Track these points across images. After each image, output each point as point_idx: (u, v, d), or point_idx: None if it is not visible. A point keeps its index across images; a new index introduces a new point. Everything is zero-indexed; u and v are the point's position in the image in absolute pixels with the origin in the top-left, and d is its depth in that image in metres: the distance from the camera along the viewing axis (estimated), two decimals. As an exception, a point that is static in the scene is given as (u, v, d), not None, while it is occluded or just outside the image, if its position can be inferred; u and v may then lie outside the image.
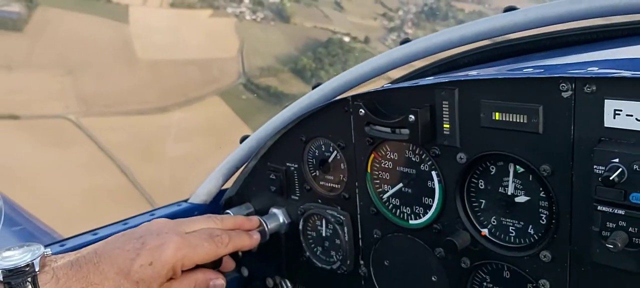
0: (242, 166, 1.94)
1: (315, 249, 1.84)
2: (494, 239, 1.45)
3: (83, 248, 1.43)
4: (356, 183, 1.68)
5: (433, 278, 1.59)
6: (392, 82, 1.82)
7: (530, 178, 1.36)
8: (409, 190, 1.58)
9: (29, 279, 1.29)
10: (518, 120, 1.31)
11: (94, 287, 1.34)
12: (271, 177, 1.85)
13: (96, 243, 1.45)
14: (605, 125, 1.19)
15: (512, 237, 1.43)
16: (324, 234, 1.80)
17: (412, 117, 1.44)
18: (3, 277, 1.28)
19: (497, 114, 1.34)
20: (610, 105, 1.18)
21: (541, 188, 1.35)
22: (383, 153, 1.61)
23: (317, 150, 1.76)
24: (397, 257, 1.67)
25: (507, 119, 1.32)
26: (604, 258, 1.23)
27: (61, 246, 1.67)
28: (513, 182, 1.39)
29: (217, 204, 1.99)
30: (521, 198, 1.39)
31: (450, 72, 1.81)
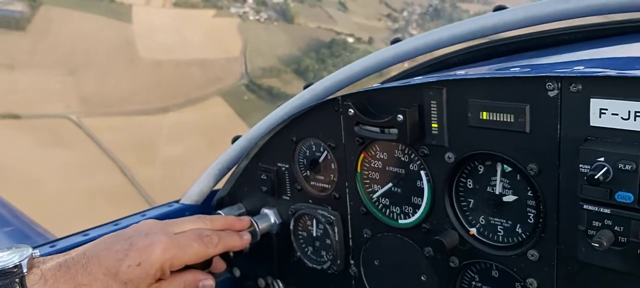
0: (233, 166, 1.94)
1: (306, 249, 1.84)
2: (482, 238, 1.45)
3: (72, 250, 1.44)
4: (346, 183, 1.68)
5: (422, 277, 1.59)
6: (382, 82, 1.82)
7: (518, 178, 1.36)
8: (399, 190, 1.58)
9: (17, 280, 1.30)
10: (505, 120, 1.31)
11: (82, 287, 1.35)
12: (262, 177, 1.85)
13: (85, 245, 1.45)
14: (591, 124, 1.19)
15: (500, 236, 1.42)
16: (314, 234, 1.80)
17: (400, 117, 1.44)
18: None
19: (484, 113, 1.34)
20: (596, 104, 1.18)
21: (529, 188, 1.35)
22: (373, 153, 1.61)
23: (307, 151, 1.76)
24: (387, 257, 1.67)
25: (495, 119, 1.32)
26: (590, 257, 1.22)
27: (52, 247, 1.67)
28: (501, 181, 1.39)
29: (209, 205, 1.99)
30: (509, 198, 1.39)
31: (440, 72, 1.80)
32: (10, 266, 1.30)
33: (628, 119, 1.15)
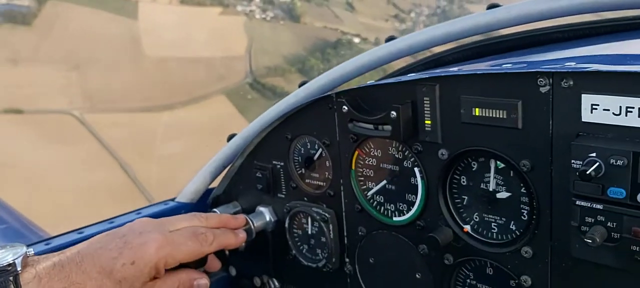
0: (229, 165, 1.94)
1: (301, 247, 1.84)
2: (476, 235, 1.44)
3: (67, 249, 1.44)
4: (341, 181, 1.68)
5: (417, 275, 1.59)
6: (377, 80, 1.81)
7: (511, 174, 1.35)
8: (393, 187, 1.58)
9: (11, 279, 1.30)
10: (498, 116, 1.30)
11: (76, 286, 1.35)
12: (258, 175, 1.85)
13: (79, 244, 1.45)
14: (583, 120, 1.19)
15: (494, 233, 1.42)
16: (309, 232, 1.80)
17: (394, 114, 1.43)
18: None
19: (477, 109, 1.33)
20: (587, 99, 1.18)
21: (522, 184, 1.34)
22: (367, 150, 1.60)
23: (302, 148, 1.76)
24: (382, 254, 1.66)
25: (487, 115, 1.32)
26: (583, 253, 1.22)
27: (47, 244, 1.67)
28: (494, 178, 1.39)
29: (204, 203, 1.99)
30: (503, 194, 1.38)
31: (434, 69, 1.80)
32: (4, 264, 1.29)
33: (619, 114, 1.14)
